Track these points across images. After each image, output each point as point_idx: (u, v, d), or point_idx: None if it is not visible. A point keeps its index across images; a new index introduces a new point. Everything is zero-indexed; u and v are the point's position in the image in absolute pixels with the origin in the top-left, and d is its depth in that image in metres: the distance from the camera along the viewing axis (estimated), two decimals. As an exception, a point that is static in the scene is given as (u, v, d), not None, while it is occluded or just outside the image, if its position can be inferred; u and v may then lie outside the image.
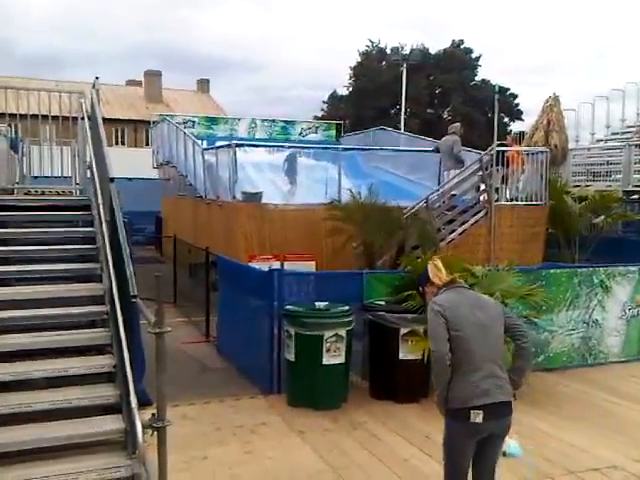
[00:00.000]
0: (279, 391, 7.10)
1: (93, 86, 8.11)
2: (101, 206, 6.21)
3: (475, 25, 71.57)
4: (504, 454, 3.92)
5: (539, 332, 8.05)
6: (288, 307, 6.88)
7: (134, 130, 42.12)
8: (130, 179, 19.62)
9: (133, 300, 4.77)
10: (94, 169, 6.73)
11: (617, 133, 20.66)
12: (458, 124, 13.63)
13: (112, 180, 5.98)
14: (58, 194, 9.46)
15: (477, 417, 3.54)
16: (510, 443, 3.91)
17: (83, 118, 7.83)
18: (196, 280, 11.47)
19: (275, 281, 7.07)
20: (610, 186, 15.66)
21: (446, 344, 3.62)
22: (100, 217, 6.26)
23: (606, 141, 20.29)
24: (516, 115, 45.92)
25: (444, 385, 3.67)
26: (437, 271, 4.00)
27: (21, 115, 8.58)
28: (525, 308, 7.51)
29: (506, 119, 44.62)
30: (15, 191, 8.85)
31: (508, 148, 12.09)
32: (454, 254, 10.65)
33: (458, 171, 12.33)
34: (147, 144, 34.10)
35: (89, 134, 7.48)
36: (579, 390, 7.58)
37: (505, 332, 3.84)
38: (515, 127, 39.13)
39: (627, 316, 8.74)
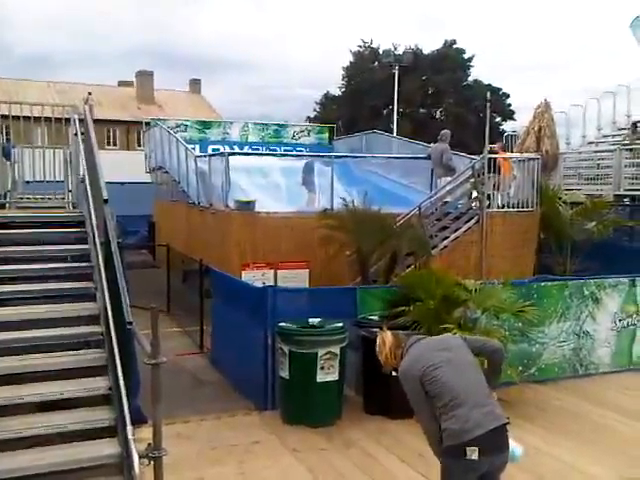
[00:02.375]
0: (273, 407, 7.09)
1: (85, 102, 8.13)
2: (95, 227, 6.21)
3: (468, 22, 71.94)
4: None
5: (531, 344, 8.14)
6: (281, 324, 6.86)
7: (126, 131, 42.03)
8: (122, 184, 19.62)
9: (129, 327, 4.80)
10: (88, 188, 6.71)
11: (608, 136, 20.73)
12: (448, 131, 13.67)
13: (106, 201, 5.96)
14: (50, 200, 9.47)
15: (473, 454, 3.54)
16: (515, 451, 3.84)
17: (76, 134, 7.83)
18: (189, 286, 11.46)
19: (269, 297, 7.08)
20: (601, 190, 15.76)
21: (424, 400, 3.72)
22: (94, 235, 6.27)
23: (597, 144, 20.35)
24: (508, 115, 46.05)
25: (434, 435, 3.75)
26: (382, 347, 4.00)
27: (13, 117, 8.58)
28: (517, 321, 7.58)
29: (498, 119, 44.73)
30: (7, 205, 8.85)
31: (496, 155, 12.14)
32: (447, 261, 10.82)
33: (450, 179, 12.43)
34: (139, 145, 34.02)
35: (82, 149, 7.49)
36: (571, 403, 7.61)
37: (478, 356, 3.94)
38: (507, 127, 39.22)
39: (617, 327, 8.81)
